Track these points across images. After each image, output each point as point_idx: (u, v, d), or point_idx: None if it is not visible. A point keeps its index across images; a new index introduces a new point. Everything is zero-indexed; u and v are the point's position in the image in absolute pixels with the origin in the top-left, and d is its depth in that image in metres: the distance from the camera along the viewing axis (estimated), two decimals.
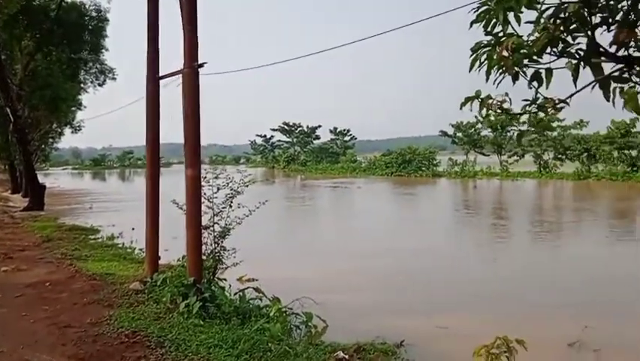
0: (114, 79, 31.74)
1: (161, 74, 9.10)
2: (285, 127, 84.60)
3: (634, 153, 41.59)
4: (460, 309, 8.57)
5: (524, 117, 3.82)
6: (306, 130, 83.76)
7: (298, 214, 25.19)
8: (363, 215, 23.94)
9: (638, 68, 3.36)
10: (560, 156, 46.45)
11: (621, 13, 3.39)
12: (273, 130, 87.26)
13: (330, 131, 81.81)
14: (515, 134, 47.59)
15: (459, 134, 55.00)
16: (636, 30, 3.34)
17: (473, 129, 52.97)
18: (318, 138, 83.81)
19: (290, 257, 13.38)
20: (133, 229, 13.84)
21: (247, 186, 8.68)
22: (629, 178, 39.04)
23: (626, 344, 6.85)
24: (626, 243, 15.61)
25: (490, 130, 49.42)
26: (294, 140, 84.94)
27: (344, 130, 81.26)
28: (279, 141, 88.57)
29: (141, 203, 9.57)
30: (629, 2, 3.39)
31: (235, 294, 7.88)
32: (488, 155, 53.05)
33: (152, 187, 9.31)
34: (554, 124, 45.64)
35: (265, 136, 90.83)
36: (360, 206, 29.21)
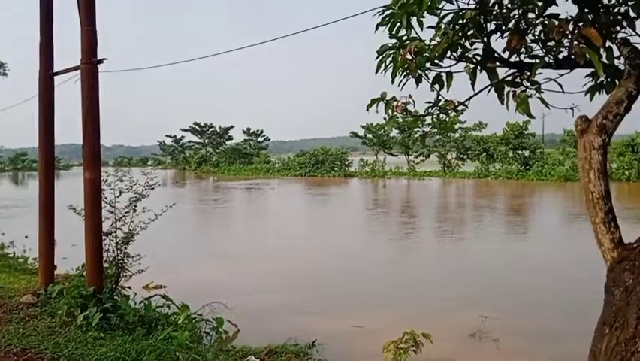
0: (5, 75, 29.14)
1: (57, 70, 8.44)
2: (196, 127, 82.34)
3: (526, 153, 45.18)
4: (374, 307, 8.77)
5: (429, 119, 3.93)
6: (218, 130, 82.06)
7: (210, 217, 24.59)
8: (277, 216, 23.88)
9: (528, 74, 3.58)
10: (461, 156, 49.39)
11: (513, 21, 3.60)
12: (184, 130, 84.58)
13: (244, 132, 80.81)
14: (419, 135, 49.82)
15: (369, 136, 56.60)
16: (526, 37, 3.56)
17: (382, 131, 54.75)
18: (230, 138, 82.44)
19: (201, 261, 13.00)
20: (26, 237, 12.75)
21: (153, 188, 8.29)
22: (522, 176, 42.29)
23: (522, 331, 7.37)
24: (520, 236, 16.87)
25: (397, 131, 51.33)
26: (206, 141, 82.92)
27: (257, 131, 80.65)
28: (190, 141, 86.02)
29: (36, 209, 8.82)
30: (519, 11, 3.61)
31: (140, 303, 7.49)
32: (397, 155, 55.12)
33: (46, 191, 8.61)
34: (456, 126, 48.41)
35: (175, 137, 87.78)
36: (274, 207, 29.13)
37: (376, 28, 3.78)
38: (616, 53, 3.44)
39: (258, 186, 42.20)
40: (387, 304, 8.86)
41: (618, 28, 3.70)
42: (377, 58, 3.76)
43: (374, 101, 3.47)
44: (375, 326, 7.56)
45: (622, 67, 3.41)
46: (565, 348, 6.27)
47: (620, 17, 3.70)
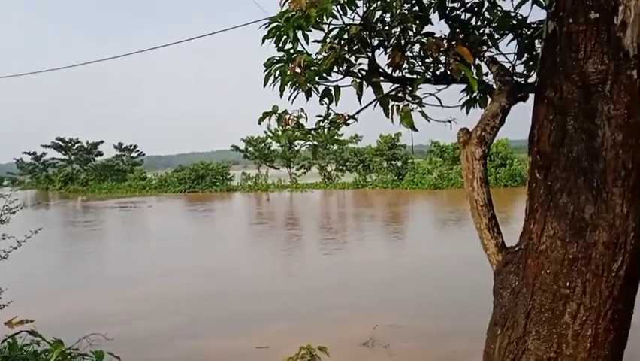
0: None
1: None
2: (60, 143, 75.55)
3: (399, 163, 48.10)
4: (270, 323, 8.62)
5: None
6: (85, 146, 76.10)
7: (79, 241, 22.60)
8: (155, 235, 22.64)
9: (410, 88, 3.74)
10: (340, 167, 51.16)
11: (394, 37, 3.75)
12: (45, 147, 77.23)
13: (115, 147, 75.87)
14: (303, 148, 50.59)
15: (250, 149, 56.34)
16: (407, 54, 3.73)
17: (264, 144, 54.86)
18: (100, 154, 76.82)
19: (73, 290, 11.85)
20: None
21: (13, 213, 7.36)
22: (397, 185, 44.90)
23: (411, 335, 7.70)
24: (401, 243, 17.78)
25: (279, 145, 51.75)
26: (72, 157, 76.43)
27: (130, 146, 76.24)
28: (53, 158, 78.61)
29: None
30: (400, 28, 3.77)
31: (3, 341, 6.56)
32: (279, 168, 55.50)
33: None
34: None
35: (35, 153, 79.74)
36: (152, 226, 27.62)
37: (263, 41, 3.71)
38: (484, 69, 3.75)
39: (133, 205, 39.81)
40: (282, 320, 8.76)
41: (485, 47, 4.04)
42: (265, 71, 3.69)
43: (266, 114, 3.39)
44: (272, 342, 7.43)
45: (491, 83, 3.71)
46: (450, 347, 6.66)
47: (485, 38, 4.04)
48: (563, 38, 2.37)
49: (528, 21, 3.87)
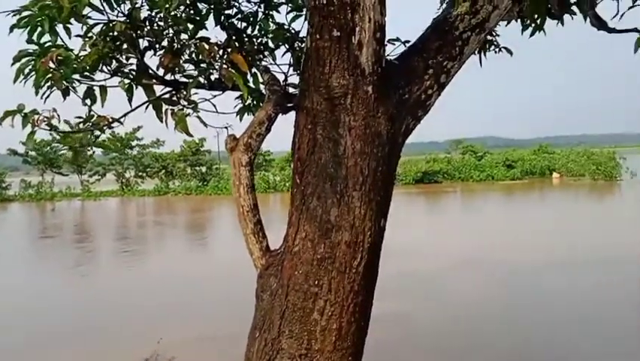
0: None
1: None
2: None
3: (204, 169, 47.42)
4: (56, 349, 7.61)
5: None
6: None
7: None
8: None
9: (185, 93, 3.65)
10: (140, 173, 48.33)
11: (166, 40, 3.63)
12: None
13: None
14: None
15: (32, 153, 49.63)
16: (181, 57, 3.63)
17: (49, 147, 48.86)
18: None
19: None
20: None
21: None
22: (201, 192, 44.14)
23: (197, 342, 7.56)
24: (203, 250, 17.48)
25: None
26: None
27: None
28: None
29: None
30: (173, 31, 3.66)
31: None
32: (67, 175, 49.96)
33: None
34: (134, 143, 47.25)
35: None
36: None
37: (11, 30, 3.26)
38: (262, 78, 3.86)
39: None
40: (69, 347, 7.84)
41: (262, 56, 4.17)
42: (13, 64, 3.24)
43: (8, 113, 2.96)
44: None
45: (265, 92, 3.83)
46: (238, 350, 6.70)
47: (262, 47, 4.18)
48: (312, 53, 2.54)
49: (301, 35, 4.11)
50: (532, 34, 3.65)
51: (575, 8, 3.40)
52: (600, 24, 3.29)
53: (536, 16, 3.45)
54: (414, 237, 17.43)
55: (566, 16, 3.52)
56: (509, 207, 28.79)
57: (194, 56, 3.66)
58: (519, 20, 3.73)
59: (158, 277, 13.00)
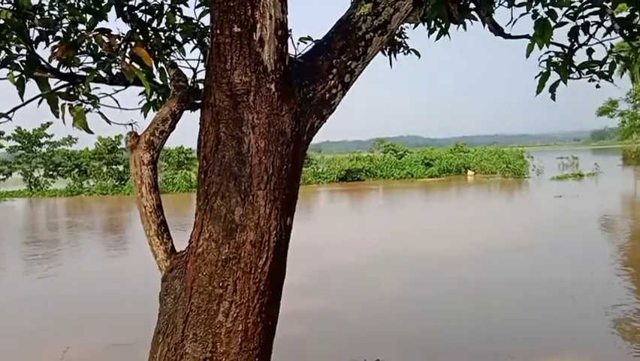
0: None
1: None
2: None
3: (121, 168, 45.24)
4: None
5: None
6: None
7: None
8: None
9: (84, 87, 3.43)
10: (50, 172, 45.35)
11: (61, 30, 3.40)
12: None
13: None
14: None
15: None
16: (77, 49, 3.40)
17: None
18: None
19: None
20: None
21: None
22: (119, 191, 42.16)
23: (103, 351, 7.21)
24: (121, 253, 16.69)
25: None
26: None
27: None
28: None
29: None
30: (68, 21, 3.44)
31: None
32: None
33: None
34: (42, 140, 44.33)
35: None
36: None
37: None
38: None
39: None
40: None
41: (169, 50, 4.01)
42: None
43: None
44: None
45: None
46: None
47: (169, 41, 4.02)
48: (213, 48, 2.46)
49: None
50: (437, 38, 3.79)
51: (475, 13, 3.56)
52: (497, 30, 3.47)
53: (440, 20, 3.59)
54: (336, 232, 17.69)
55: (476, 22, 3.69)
56: (426, 203, 30.00)
57: (93, 48, 3.45)
58: (425, 24, 3.87)
59: (71, 282, 12.27)
